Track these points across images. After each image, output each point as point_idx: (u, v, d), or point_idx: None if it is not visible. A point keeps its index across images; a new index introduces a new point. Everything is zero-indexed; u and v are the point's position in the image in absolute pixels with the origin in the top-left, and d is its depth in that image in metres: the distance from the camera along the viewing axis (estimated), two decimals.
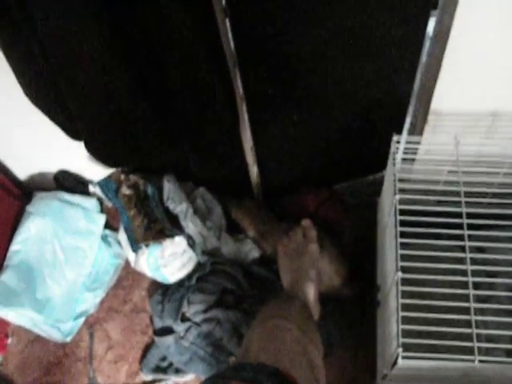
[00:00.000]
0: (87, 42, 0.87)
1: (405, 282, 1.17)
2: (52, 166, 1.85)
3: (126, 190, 1.59)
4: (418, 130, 1.50)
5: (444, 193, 1.36)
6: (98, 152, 1.17)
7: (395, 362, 1.14)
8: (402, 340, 1.11)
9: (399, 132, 1.61)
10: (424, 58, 1.35)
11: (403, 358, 1.10)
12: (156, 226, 1.57)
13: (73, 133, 1.20)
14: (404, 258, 1.20)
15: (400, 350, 1.10)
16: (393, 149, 1.38)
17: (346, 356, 1.59)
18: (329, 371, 1.54)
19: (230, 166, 1.53)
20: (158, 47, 0.96)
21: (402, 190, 1.29)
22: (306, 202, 1.71)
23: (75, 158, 1.77)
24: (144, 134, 1.13)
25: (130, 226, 1.57)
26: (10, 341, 1.73)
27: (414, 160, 1.41)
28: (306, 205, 1.70)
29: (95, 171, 1.81)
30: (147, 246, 1.56)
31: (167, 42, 0.96)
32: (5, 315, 1.62)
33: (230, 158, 1.49)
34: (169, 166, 1.39)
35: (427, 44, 1.32)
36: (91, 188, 1.78)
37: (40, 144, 1.73)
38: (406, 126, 1.55)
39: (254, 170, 1.63)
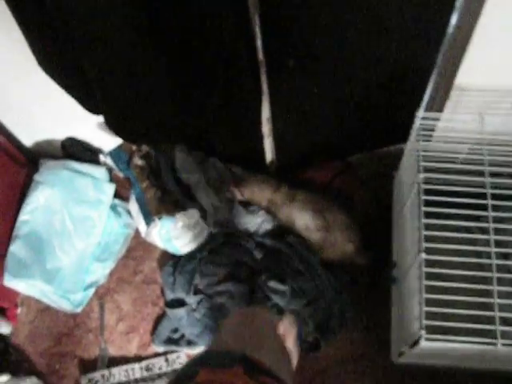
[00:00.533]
0: (115, 15, 0.82)
1: (427, 263, 1.16)
2: (59, 133, 1.79)
3: (138, 161, 1.55)
4: (438, 105, 1.45)
5: (467, 172, 1.33)
6: (119, 127, 1.12)
7: (416, 343, 1.13)
8: (424, 322, 1.11)
9: (417, 105, 1.58)
10: (451, 29, 1.30)
11: (426, 339, 1.10)
12: (169, 197, 1.53)
13: (91, 107, 1.15)
14: (427, 238, 1.18)
15: (423, 332, 1.10)
16: (416, 125, 1.34)
17: (357, 330, 1.59)
18: (339, 344, 1.57)
19: (246, 138, 1.49)
20: (185, 18, 0.91)
21: (425, 169, 1.26)
22: (320, 174, 1.68)
23: (83, 125, 1.72)
24: (168, 109, 1.08)
25: (143, 197, 1.54)
26: (19, 310, 1.72)
27: (431, 137, 1.37)
28: (321, 177, 1.68)
29: (103, 139, 1.76)
30: (160, 218, 1.53)
31: (195, 10, 0.91)
32: (15, 286, 1.61)
33: (246, 128, 1.45)
34: (186, 138, 1.34)
35: (455, 15, 1.27)
36: (102, 158, 1.74)
37: (47, 110, 1.67)
38: (426, 99, 1.51)
39: (268, 142, 1.59)
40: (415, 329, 1.15)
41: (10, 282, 1.59)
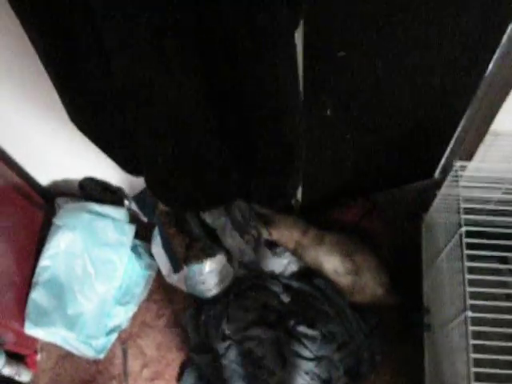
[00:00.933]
0: (172, 77, 0.78)
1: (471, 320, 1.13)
2: (76, 172, 1.74)
3: (164, 207, 1.51)
4: (471, 148, 1.43)
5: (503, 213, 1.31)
6: (164, 193, 1.08)
7: None
8: None
9: (447, 143, 1.56)
10: (489, 74, 1.28)
11: None
12: (197, 244, 1.50)
13: (131, 168, 1.11)
14: (471, 295, 1.16)
15: None
16: (452, 171, 1.32)
17: (388, 374, 1.56)
18: None
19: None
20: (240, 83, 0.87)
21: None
22: (347, 214, 1.65)
23: (101, 163, 1.68)
24: (218, 175, 1.04)
25: (170, 245, 1.49)
26: (39, 357, 1.67)
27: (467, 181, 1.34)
28: (348, 218, 1.65)
29: (123, 178, 1.72)
30: (188, 265, 1.49)
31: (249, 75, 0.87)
32: (35, 334, 1.56)
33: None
34: (230, 198, 1.30)
35: (494, 60, 1.25)
36: (126, 203, 1.69)
37: (63, 148, 1.63)
38: (459, 143, 1.50)
39: None
40: None
41: (31, 330, 1.55)
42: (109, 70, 0.81)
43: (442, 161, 1.63)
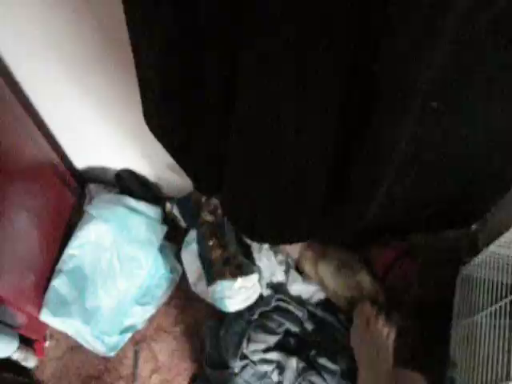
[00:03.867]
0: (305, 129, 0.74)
1: None
2: (114, 162, 1.69)
3: (207, 216, 1.47)
4: None
5: None
6: (245, 222, 1.03)
7: None
8: None
9: (494, 197, 1.55)
10: None
11: None
12: (234, 260, 1.46)
13: (204, 187, 1.06)
14: None
15: None
16: (509, 234, 1.29)
17: None
18: None
19: None
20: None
21: None
22: (384, 254, 1.63)
23: (142, 158, 1.63)
24: (310, 214, 1.00)
25: (209, 256, 1.46)
26: (47, 344, 1.62)
27: None
28: (384, 257, 1.62)
29: (161, 175, 1.68)
30: (222, 280, 1.45)
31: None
32: (50, 322, 1.51)
33: None
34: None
35: None
36: (168, 206, 1.64)
37: (108, 138, 1.58)
38: None
39: None
40: None
41: (47, 318, 1.49)
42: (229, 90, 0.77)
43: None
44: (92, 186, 1.72)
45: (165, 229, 1.65)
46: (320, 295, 1.64)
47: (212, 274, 1.44)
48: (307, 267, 1.60)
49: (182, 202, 1.58)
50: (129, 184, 1.67)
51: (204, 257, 1.47)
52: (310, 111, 0.74)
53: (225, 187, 0.97)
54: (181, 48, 0.78)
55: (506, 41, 0.78)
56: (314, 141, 0.79)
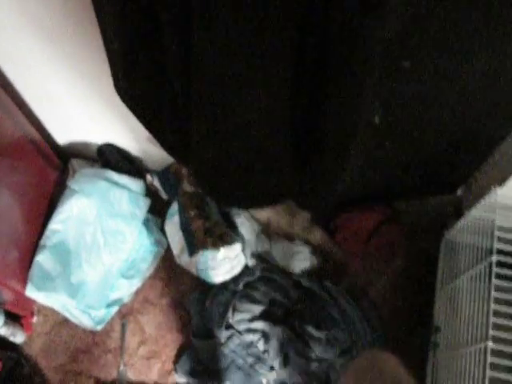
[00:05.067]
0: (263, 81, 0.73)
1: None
2: (96, 137, 1.68)
3: (187, 187, 1.46)
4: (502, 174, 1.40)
5: None
6: (212, 187, 1.02)
7: None
8: None
9: (478, 164, 1.54)
10: None
11: None
12: (216, 230, 1.46)
13: (181, 156, 1.05)
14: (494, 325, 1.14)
15: None
16: (492, 199, 1.29)
17: None
18: None
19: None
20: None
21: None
22: (367, 219, 1.62)
23: (124, 132, 1.62)
24: (277, 176, 1.00)
25: (189, 227, 1.45)
26: (35, 319, 1.62)
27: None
28: (367, 222, 1.62)
29: (143, 150, 1.67)
30: (204, 250, 1.45)
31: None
32: (36, 297, 1.51)
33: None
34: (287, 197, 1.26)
35: None
36: (148, 177, 1.64)
37: (88, 113, 1.56)
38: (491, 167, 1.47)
39: None
40: None
41: (32, 293, 1.50)
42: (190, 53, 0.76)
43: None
44: (74, 161, 1.71)
45: (148, 202, 1.65)
46: (306, 263, 1.64)
47: (194, 244, 1.44)
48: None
49: (163, 173, 1.57)
50: (111, 158, 1.66)
51: (185, 228, 1.47)
52: (266, 69, 0.73)
53: (193, 152, 0.97)
54: (138, 5, 0.77)
55: None
56: (272, 96, 0.78)
